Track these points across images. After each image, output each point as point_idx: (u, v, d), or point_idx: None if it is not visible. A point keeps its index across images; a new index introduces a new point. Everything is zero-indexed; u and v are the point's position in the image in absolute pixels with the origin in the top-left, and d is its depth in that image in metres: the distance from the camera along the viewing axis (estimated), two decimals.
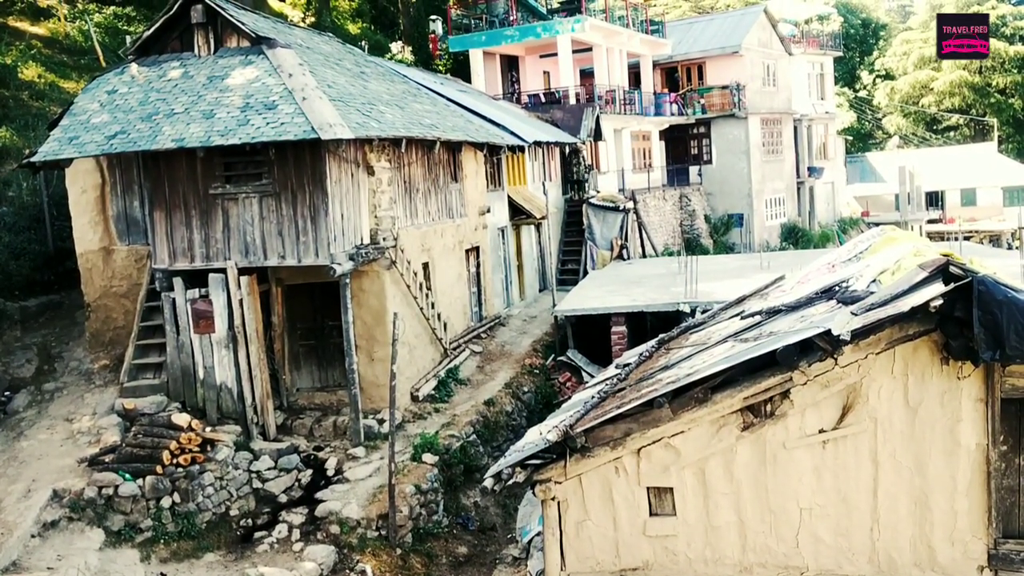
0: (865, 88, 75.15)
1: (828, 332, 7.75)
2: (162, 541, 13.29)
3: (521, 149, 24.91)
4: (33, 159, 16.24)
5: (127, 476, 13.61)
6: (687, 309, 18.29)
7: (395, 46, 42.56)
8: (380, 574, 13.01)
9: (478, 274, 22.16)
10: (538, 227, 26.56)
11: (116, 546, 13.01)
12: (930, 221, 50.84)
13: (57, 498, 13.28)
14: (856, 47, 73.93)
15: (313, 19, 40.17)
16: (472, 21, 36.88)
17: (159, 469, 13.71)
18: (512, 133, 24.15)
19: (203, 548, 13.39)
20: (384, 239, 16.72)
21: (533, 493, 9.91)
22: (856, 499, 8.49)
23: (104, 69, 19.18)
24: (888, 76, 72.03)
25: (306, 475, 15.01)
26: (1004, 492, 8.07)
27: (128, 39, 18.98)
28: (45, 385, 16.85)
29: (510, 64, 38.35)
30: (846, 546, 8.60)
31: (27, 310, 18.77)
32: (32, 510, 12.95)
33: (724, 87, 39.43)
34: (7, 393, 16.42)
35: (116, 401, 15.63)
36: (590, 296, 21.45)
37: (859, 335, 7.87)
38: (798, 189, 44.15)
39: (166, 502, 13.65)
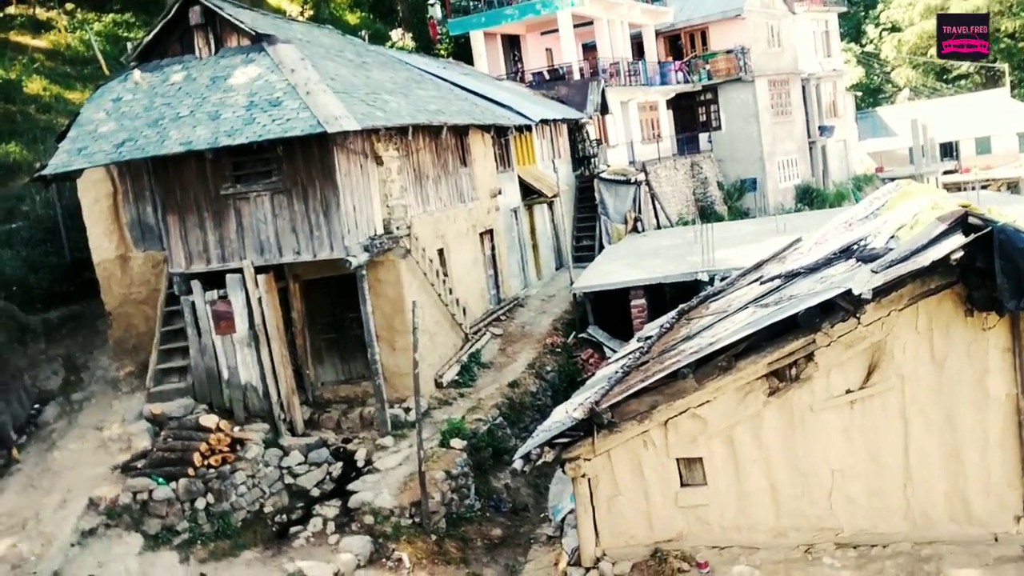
0: (872, 42, 74.23)
1: (849, 292, 7.71)
2: (199, 542, 13.43)
3: (528, 128, 24.82)
4: (44, 172, 16.33)
5: (160, 480, 13.76)
6: (705, 278, 18.19)
7: (395, 34, 42.44)
8: (416, 561, 13.09)
9: (493, 257, 22.14)
10: (551, 205, 26.49)
11: (155, 549, 13.16)
12: (946, 172, 50.33)
13: (93, 506, 13.44)
14: (860, 1, 72.99)
15: (311, 12, 40.07)
16: (470, 3, 36.70)
17: (191, 471, 13.84)
18: (518, 113, 24.04)
19: (240, 546, 13.51)
20: (397, 228, 16.72)
21: (563, 471, 9.93)
22: (887, 457, 8.46)
23: (107, 77, 19.24)
24: (894, 28, 71.07)
25: (336, 468, 15.10)
26: None
27: (129, 45, 18.95)
28: (73, 395, 17.00)
29: (511, 44, 38.14)
30: (880, 505, 8.57)
31: (49, 322, 18.90)
32: (69, 519, 13.12)
33: (729, 51, 39.06)
34: (36, 406, 16.56)
35: (144, 407, 15.76)
36: (607, 271, 21.40)
37: (880, 292, 7.81)
38: (810, 149, 43.78)
39: (200, 503, 13.78)
